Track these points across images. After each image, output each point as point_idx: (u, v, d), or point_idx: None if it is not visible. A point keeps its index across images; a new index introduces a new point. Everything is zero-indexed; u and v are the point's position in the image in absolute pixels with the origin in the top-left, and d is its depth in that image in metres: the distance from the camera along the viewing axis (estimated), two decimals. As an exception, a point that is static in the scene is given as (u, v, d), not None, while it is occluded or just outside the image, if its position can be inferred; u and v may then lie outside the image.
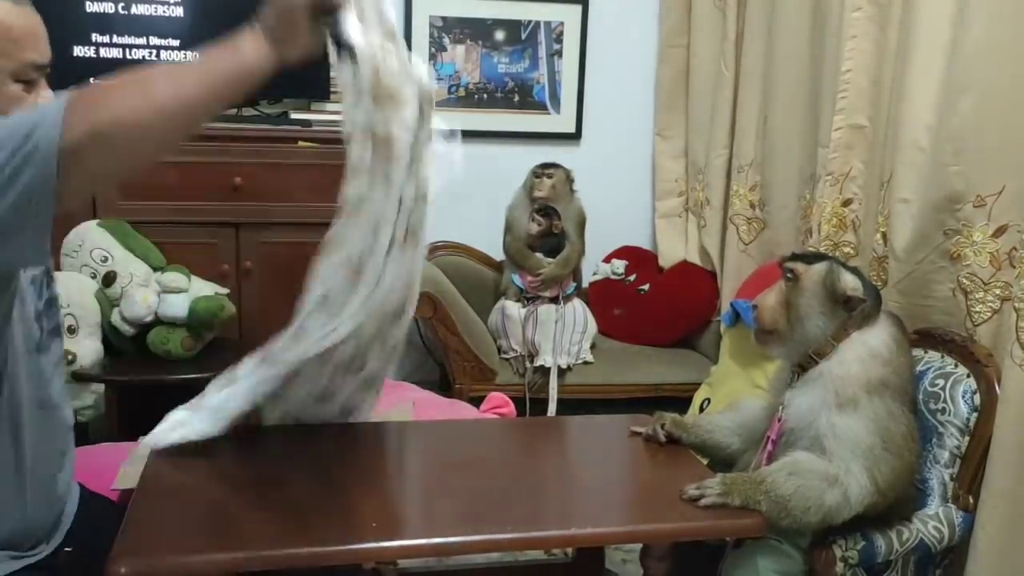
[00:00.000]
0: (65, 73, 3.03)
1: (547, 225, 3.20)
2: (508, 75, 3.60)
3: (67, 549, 1.46)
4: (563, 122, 3.68)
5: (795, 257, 1.81)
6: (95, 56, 2.98)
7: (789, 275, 1.77)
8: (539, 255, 3.22)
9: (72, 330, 2.59)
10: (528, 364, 3.14)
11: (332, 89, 3.14)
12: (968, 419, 1.89)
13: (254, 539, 1.40)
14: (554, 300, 3.21)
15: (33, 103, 1.28)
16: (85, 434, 2.62)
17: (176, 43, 3.04)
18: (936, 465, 1.92)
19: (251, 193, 2.95)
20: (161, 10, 3.04)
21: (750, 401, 1.98)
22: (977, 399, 1.89)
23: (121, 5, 3.01)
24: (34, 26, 1.27)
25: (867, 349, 1.71)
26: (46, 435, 1.38)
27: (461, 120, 3.84)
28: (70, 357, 2.55)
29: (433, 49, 3.51)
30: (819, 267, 1.76)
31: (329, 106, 3.16)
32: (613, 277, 3.60)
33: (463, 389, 3.09)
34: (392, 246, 1.40)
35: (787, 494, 1.61)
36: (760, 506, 1.60)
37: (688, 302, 3.46)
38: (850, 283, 1.73)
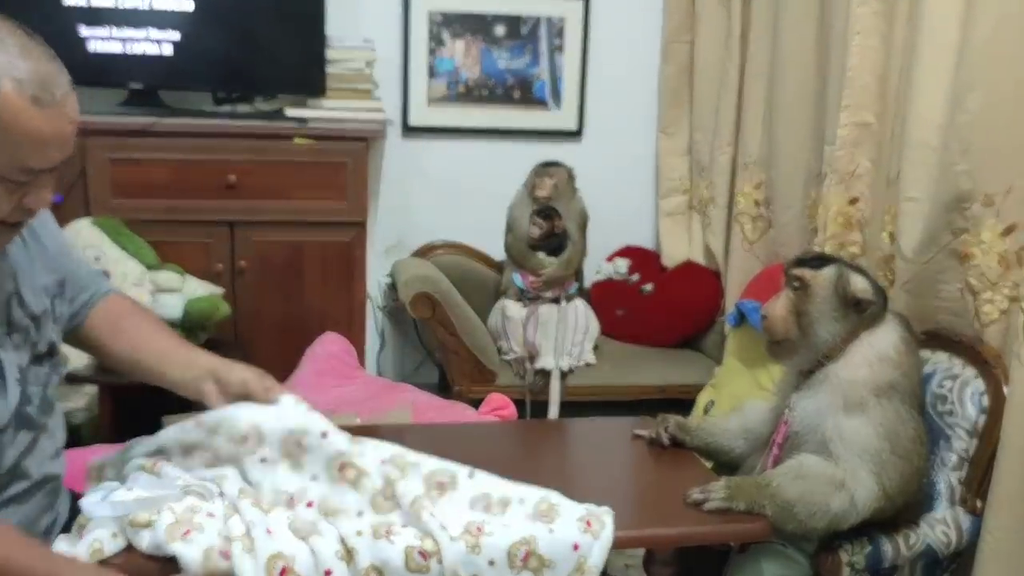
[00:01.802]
0: (56, 23, 2.98)
1: (548, 227, 3.17)
2: (509, 71, 3.57)
3: None
4: (564, 119, 3.65)
5: (799, 263, 1.78)
6: (87, 6, 2.94)
7: (796, 284, 1.74)
8: (541, 255, 3.20)
9: (65, 330, 2.57)
10: (528, 366, 3.11)
11: (328, 85, 3.12)
12: (976, 421, 1.87)
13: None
14: (555, 300, 3.19)
15: (16, 205, 1.23)
16: (78, 436, 2.60)
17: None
18: (944, 468, 1.90)
19: (246, 191, 2.94)
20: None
21: (755, 404, 1.96)
22: (986, 401, 1.87)
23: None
24: (44, 132, 1.19)
25: (875, 352, 1.69)
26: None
27: (461, 117, 3.87)
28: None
29: (433, 44, 3.48)
30: (828, 272, 1.73)
31: (325, 103, 3.13)
32: (616, 277, 3.58)
33: (462, 391, 3.07)
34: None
35: (793, 498, 1.60)
36: (765, 510, 1.58)
37: (692, 302, 3.44)
38: (860, 285, 1.71)
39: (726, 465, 1.91)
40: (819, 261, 1.78)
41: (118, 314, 1.62)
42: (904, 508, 1.73)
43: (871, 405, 1.65)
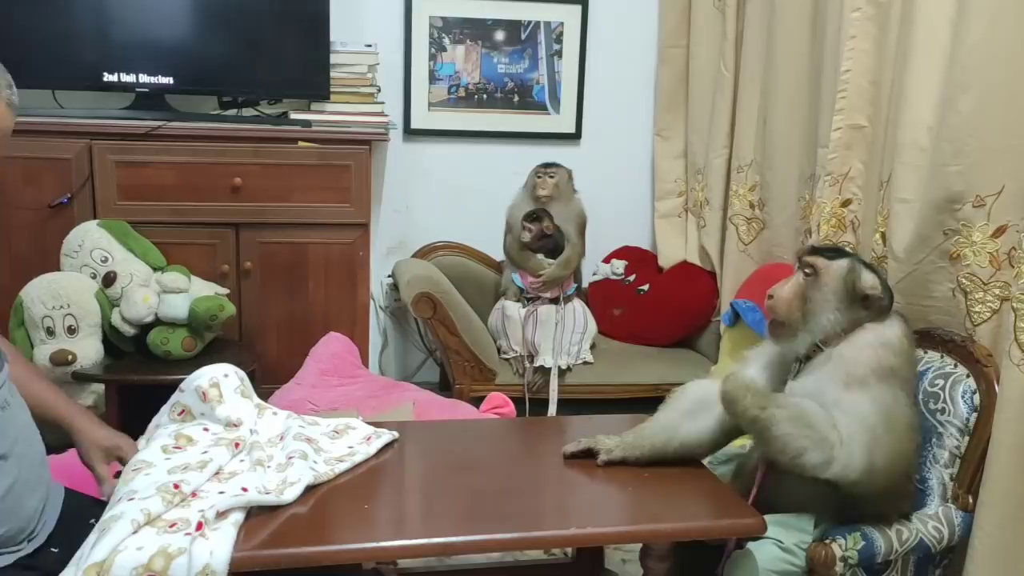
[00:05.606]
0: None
1: (538, 230, 3.19)
2: (508, 75, 3.60)
3: (53, 550, 1.46)
4: (563, 122, 3.68)
5: (815, 251, 1.82)
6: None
7: (808, 270, 1.78)
8: (540, 256, 3.21)
9: (72, 330, 2.59)
10: (528, 364, 3.14)
11: (332, 89, 3.14)
12: (968, 419, 1.89)
13: (253, 538, 1.41)
14: (554, 300, 3.21)
15: None
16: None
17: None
18: (936, 465, 1.92)
19: (251, 193, 2.95)
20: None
21: (692, 385, 1.98)
22: (977, 399, 1.89)
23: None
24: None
25: (880, 338, 1.72)
26: None
27: (461, 120, 3.88)
28: (70, 357, 2.56)
29: (433, 49, 3.51)
30: (841, 264, 1.77)
31: (329, 106, 3.16)
32: (613, 277, 3.60)
33: (463, 389, 3.08)
34: None
35: (780, 434, 1.67)
36: (758, 424, 1.69)
37: (688, 302, 3.45)
38: (870, 282, 1.74)
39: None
40: (835, 252, 1.82)
41: None
42: (885, 493, 1.74)
43: (872, 384, 1.68)
